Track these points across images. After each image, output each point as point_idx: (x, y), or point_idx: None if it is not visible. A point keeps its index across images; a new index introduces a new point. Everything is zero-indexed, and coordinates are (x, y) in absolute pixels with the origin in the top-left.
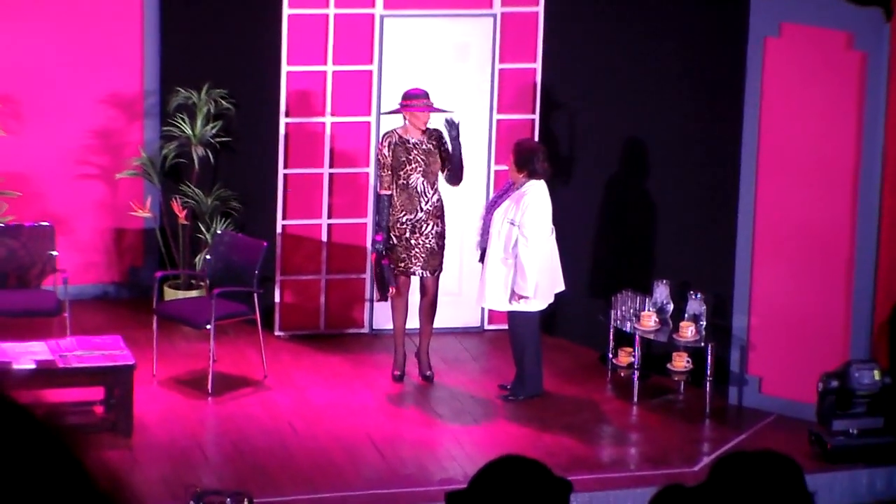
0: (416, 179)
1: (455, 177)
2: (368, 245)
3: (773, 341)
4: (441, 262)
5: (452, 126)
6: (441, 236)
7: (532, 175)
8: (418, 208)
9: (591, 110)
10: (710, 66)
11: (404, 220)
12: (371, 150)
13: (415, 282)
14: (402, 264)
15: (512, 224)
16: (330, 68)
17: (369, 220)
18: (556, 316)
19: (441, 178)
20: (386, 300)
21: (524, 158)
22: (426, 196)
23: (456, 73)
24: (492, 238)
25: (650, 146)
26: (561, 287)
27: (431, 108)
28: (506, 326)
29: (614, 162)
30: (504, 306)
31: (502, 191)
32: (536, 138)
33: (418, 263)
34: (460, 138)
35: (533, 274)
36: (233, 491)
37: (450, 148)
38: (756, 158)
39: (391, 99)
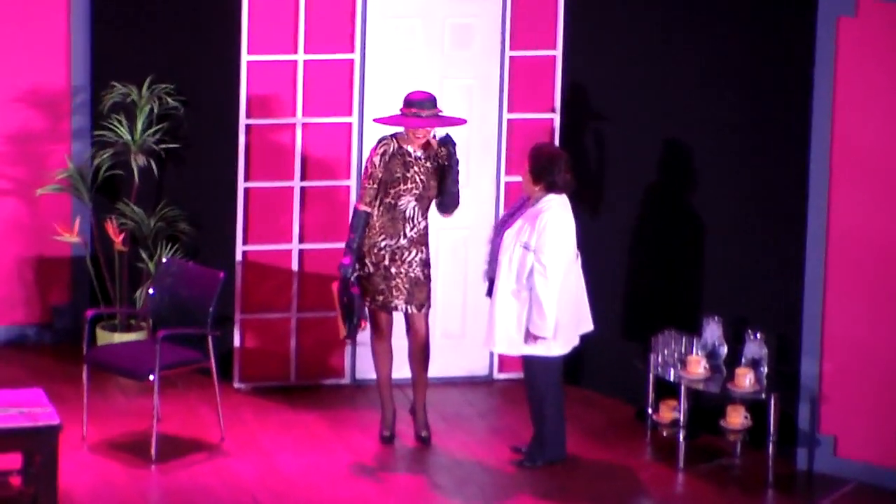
0: (408, 203)
1: (448, 207)
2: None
3: (851, 392)
4: (429, 296)
5: (447, 145)
6: (427, 264)
7: (551, 188)
8: (401, 234)
9: (625, 108)
10: (771, 53)
11: (383, 244)
12: (353, 157)
13: (399, 320)
14: (381, 297)
15: (526, 248)
16: (301, 57)
17: None
18: (583, 362)
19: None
20: (352, 338)
21: (542, 167)
22: (413, 223)
23: (456, 62)
24: (501, 266)
25: (697, 152)
26: (588, 326)
27: (429, 123)
28: (520, 375)
29: (653, 171)
30: (518, 350)
31: (515, 207)
32: (557, 143)
33: (401, 297)
34: (455, 161)
35: (552, 310)
36: None
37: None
38: (828, 165)
39: (377, 95)
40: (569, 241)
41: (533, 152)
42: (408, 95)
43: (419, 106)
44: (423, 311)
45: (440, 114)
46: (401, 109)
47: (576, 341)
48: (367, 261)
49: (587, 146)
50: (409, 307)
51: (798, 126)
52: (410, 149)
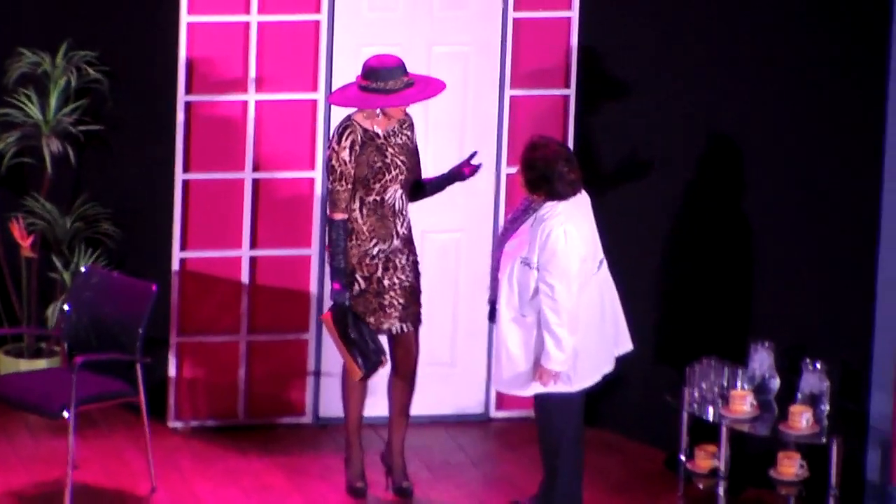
0: (395, 193)
1: (424, 197)
2: (312, 289)
3: None
4: (421, 307)
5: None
6: (417, 267)
7: (552, 196)
8: (394, 233)
9: (657, 85)
10: (841, 23)
11: (375, 252)
12: (318, 143)
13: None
14: (373, 318)
15: (527, 265)
16: (254, 18)
17: (315, 249)
18: (602, 397)
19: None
20: (370, 376)
21: (538, 175)
22: (402, 216)
23: (447, 25)
24: (502, 287)
25: (748, 143)
26: (627, 346)
27: (408, 99)
28: (522, 413)
29: (691, 166)
30: (529, 389)
31: (519, 210)
32: (570, 128)
33: (394, 314)
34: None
35: (567, 339)
36: None
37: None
38: None
39: (348, 66)
40: (581, 252)
41: (525, 158)
42: (369, 62)
43: (388, 76)
44: (418, 327)
45: (413, 82)
46: (360, 81)
47: (607, 368)
48: (357, 275)
49: (609, 131)
50: (403, 325)
51: (871, 114)
52: (377, 128)
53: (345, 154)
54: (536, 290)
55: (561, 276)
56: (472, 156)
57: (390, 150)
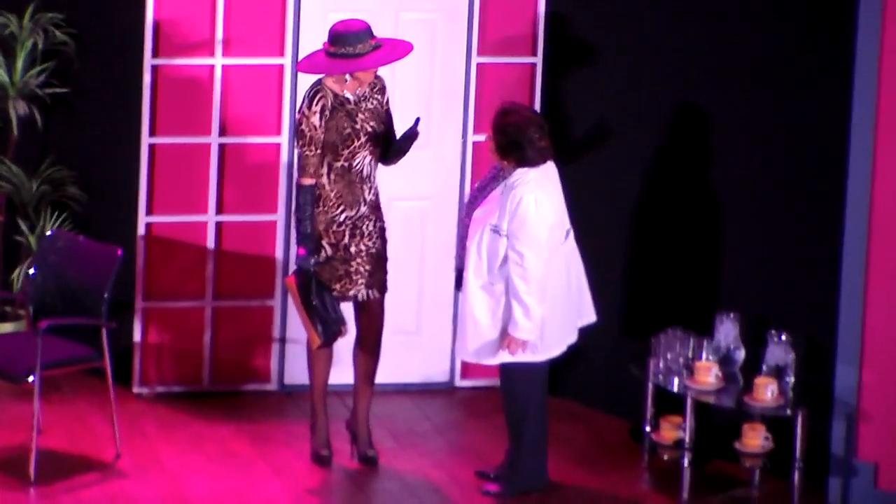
0: (363, 159)
1: (397, 158)
2: (278, 255)
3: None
4: (387, 274)
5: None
6: (384, 233)
7: (523, 162)
8: (361, 200)
9: (626, 53)
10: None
11: (342, 219)
12: (284, 108)
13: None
14: (339, 286)
15: (496, 233)
16: None
17: (281, 215)
18: (567, 367)
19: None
20: (329, 346)
21: (509, 140)
22: (370, 181)
23: None
24: (470, 254)
25: (717, 114)
26: (590, 317)
27: (376, 61)
28: (488, 382)
29: (660, 137)
30: (495, 358)
31: (487, 178)
32: (537, 96)
33: (360, 280)
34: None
35: (535, 307)
36: None
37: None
38: (872, 138)
39: (315, 31)
40: (550, 220)
41: (496, 123)
42: (335, 28)
43: (355, 40)
44: (384, 294)
45: (380, 45)
46: (327, 47)
47: (571, 339)
48: (323, 242)
49: (577, 99)
50: (369, 292)
51: (839, 87)
52: (347, 93)
53: (315, 119)
54: (505, 258)
55: (531, 243)
56: (416, 122)
57: (360, 115)
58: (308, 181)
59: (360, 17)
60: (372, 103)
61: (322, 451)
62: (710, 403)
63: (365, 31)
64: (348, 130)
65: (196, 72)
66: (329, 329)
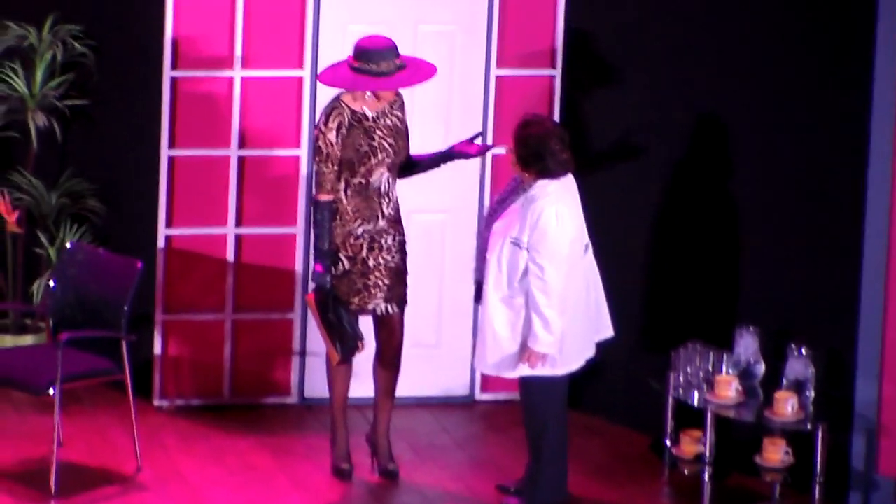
0: (381, 176)
1: (414, 174)
2: (298, 268)
3: None
4: (407, 288)
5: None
6: (404, 247)
7: (544, 173)
8: (379, 214)
9: (644, 65)
10: (827, 11)
11: (360, 232)
12: (304, 120)
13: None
14: (357, 299)
15: (517, 245)
16: None
17: (301, 227)
18: (587, 381)
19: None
20: (348, 361)
21: (531, 152)
22: (388, 197)
23: (434, 4)
24: (490, 267)
25: (735, 125)
26: (607, 332)
27: (398, 83)
28: (508, 395)
29: (679, 149)
30: (514, 371)
31: (507, 191)
32: (556, 109)
33: (379, 294)
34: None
35: (555, 321)
36: None
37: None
38: (891, 151)
39: (334, 43)
40: (571, 233)
41: (518, 135)
42: (360, 43)
43: (380, 58)
44: (403, 308)
45: (405, 65)
46: (351, 62)
47: (589, 353)
48: (341, 255)
49: (596, 112)
50: (388, 306)
51: (858, 100)
52: (366, 110)
53: (331, 136)
54: (525, 271)
55: (551, 256)
56: (477, 136)
57: (378, 132)
58: (325, 197)
59: (379, 31)
60: (391, 120)
61: (342, 464)
62: (731, 417)
63: (391, 50)
64: (365, 148)
65: (215, 84)
66: (346, 345)
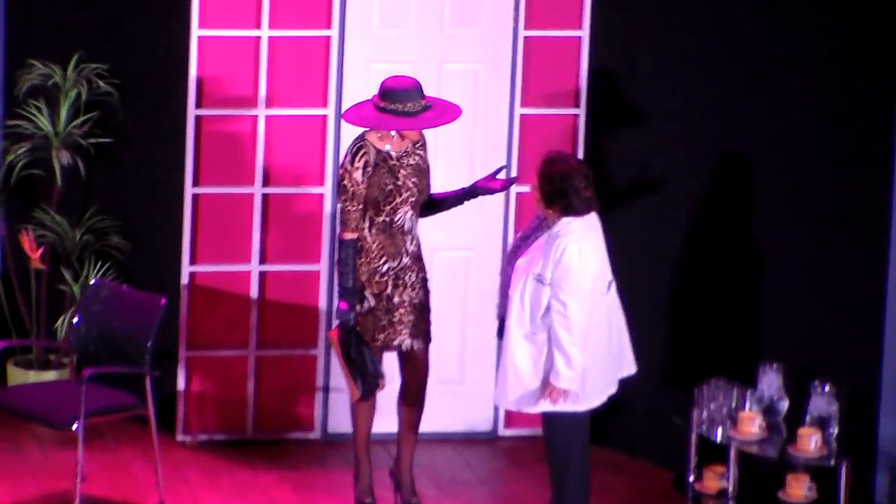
0: (404, 215)
1: (442, 209)
2: (321, 304)
3: None
4: (430, 325)
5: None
6: (426, 284)
7: (567, 211)
8: (403, 251)
9: (667, 105)
10: (849, 49)
11: (385, 269)
12: (328, 158)
13: (389, 360)
14: (382, 336)
15: (540, 282)
16: (265, 33)
17: (324, 264)
18: (609, 417)
19: None
20: (369, 397)
21: (555, 189)
22: (412, 234)
23: (458, 43)
24: (513, 303)
25: (755, 166)
26: (630, 369)
27: (423, 124)
28: (531, 431)
29: (700, 187)
30: (535, 407)
31: (530, 229)
32: (579, 148)
33: (405, 331)
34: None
35: (577, 357)
36: None
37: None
38: None
39: (359, 82)
40: (594, 270)
41: (542, 172)
42: (386, 83)
43: (406, 98)
44: (428, 344)
45: (430, 105)
46: (377, 101)
47: (611, 389)
48: (366, 292)
49: (620, 151)
50: (413, 342)
51: (880, 137)
52: (389, 148)
53: (357, 174)
54: (548, 307)
55: (574, 293)
56: (500, 170)
57: (402, 171)
58: (350, 235)
59: (403, 70)
60: (414, 159)
61: (365, 499)
62: (754, 453)
63: (416, 90)
64: (390, 187)
65: (239, 122)
66: (367, 383)
